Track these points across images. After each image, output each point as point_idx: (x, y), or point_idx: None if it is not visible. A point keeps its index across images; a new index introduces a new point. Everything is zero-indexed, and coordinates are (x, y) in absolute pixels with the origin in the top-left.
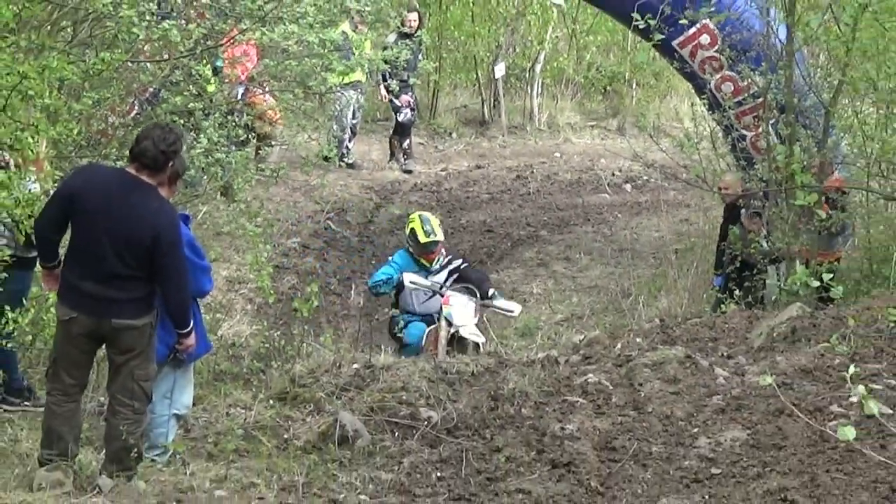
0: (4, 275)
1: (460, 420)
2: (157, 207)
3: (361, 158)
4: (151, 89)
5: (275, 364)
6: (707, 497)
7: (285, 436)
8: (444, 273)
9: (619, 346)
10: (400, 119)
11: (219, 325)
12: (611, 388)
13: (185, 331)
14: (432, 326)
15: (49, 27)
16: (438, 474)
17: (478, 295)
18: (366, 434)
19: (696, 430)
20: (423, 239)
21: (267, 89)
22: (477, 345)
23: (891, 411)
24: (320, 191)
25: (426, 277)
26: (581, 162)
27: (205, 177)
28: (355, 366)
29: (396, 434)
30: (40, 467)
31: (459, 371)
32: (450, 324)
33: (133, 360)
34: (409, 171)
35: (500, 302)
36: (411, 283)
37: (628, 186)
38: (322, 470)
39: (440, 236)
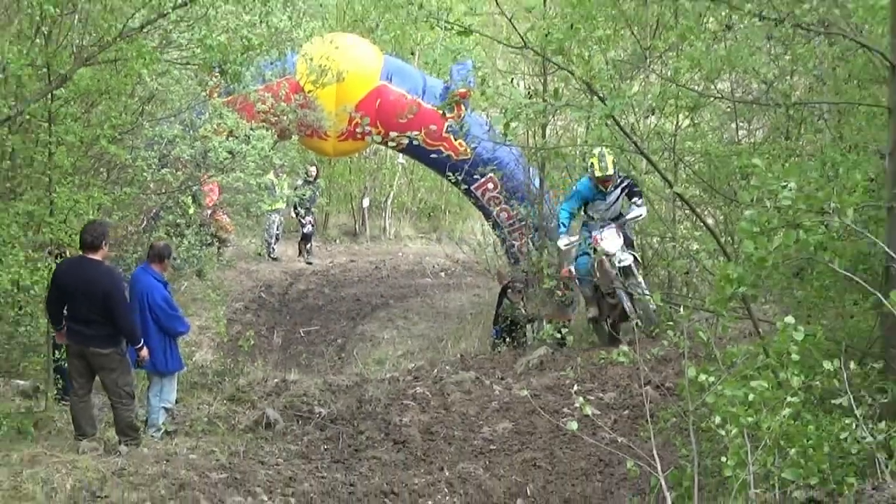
0: None
1: (338, 414)
2: (103, 274)
3: (281, 255)
4: (154, 210)
5: (227, 378)
6: (488, 463)
7: (233, 422)
8: (617, 192)
9: (435, 370)
10: (305, 231)
11: (193, 354)
12: (430, 396)
13: (138, 346)
14: (595, 259)
15: (92, 171)
16: (325, 447)
17: (615, 222)
18: (281, 422)
19: (481, 422)
20: (597, 173)
21: (225, 212)
22: (636, 258)
23: (599, 413)
24: (256, 274)
25: (604, 198)
26: (414, 259)
27: (186, 264)
28: (275, 380)
29: (300, 422)
30: (77, 440)
31: (339, 384)
32: (608, 255)
33: (112, 375)
34: (311, 263)
35: (630, 215)
36: (566, 245)
37: (443, 274)
38: (255, 443)
39: (611, 171)
